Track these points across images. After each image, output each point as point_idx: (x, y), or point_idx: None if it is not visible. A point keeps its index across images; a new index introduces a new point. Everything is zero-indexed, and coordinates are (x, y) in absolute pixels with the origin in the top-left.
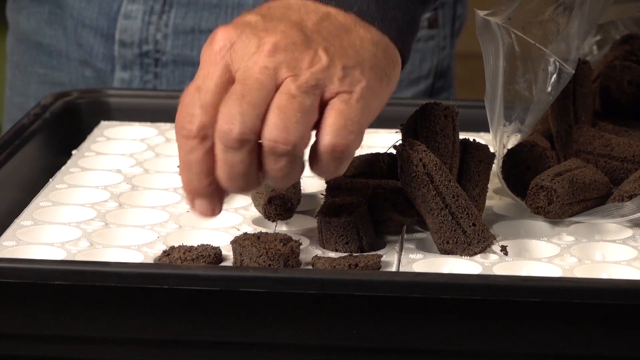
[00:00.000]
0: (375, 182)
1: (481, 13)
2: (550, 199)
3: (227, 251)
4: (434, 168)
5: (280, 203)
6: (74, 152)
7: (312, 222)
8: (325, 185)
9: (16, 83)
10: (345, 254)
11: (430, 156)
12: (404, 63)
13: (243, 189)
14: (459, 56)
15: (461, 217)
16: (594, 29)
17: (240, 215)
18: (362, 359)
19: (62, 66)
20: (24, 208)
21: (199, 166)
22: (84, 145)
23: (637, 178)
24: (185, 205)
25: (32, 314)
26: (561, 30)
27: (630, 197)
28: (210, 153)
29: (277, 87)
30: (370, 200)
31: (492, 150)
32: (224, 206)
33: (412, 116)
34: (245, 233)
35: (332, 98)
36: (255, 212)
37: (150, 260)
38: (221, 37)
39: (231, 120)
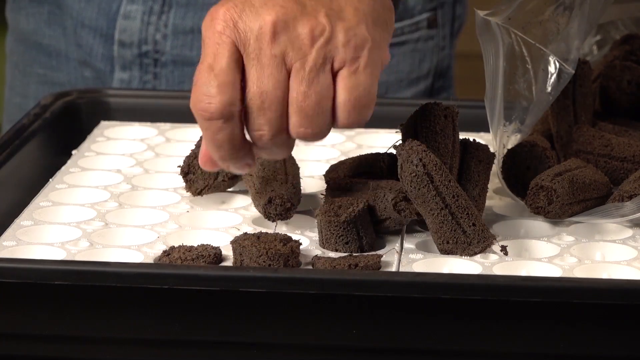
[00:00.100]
0: (375, 182)
1: (481, 13)
2: (550, 199)
3: (227, 251)
4: (434, 168)
5: (280, 203)
6: (74, 152)
7: (312, 222)
8: (325, 185)
9: (15, 83)
10: (345, 254)
11: (430, 156)
12: (396, 8)
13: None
14: (459, 56)
15: (461, 217)
16: (594, 29)
17: (240, 215)
18: (362, 359)
19: (61, 66)
20: (24, 208)
21: (229, 143)
22: (84, 145)
23: (637, 178)
24: (185, 205)
25: (32, 314)
26: (561, 30)
27: (630, 197)
28: (238, 129)
29: (288, 72)
30: (370, 200)
31: (492, 150)
32: (224, 206)
33: (412, 116)
34: (245, 233)
35: (341, 68)
36: (255, 212)
37: (150, 260)
38: (222, 17)
39: (261, 128)
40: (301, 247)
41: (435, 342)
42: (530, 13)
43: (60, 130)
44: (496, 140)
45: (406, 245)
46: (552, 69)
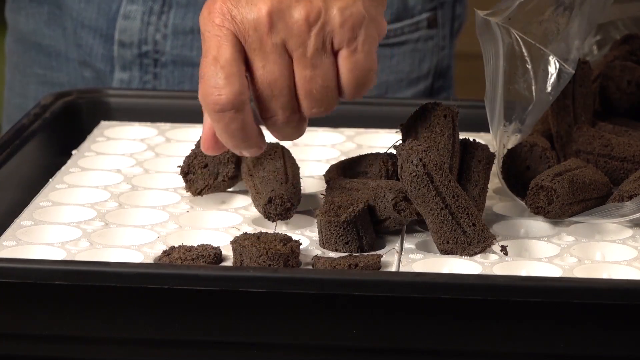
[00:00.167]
0: (375, 182)
1: (481, 13)
2: (550, 199)
3: (227, 251)
4: (434, 168)
5: (280, 203)
6: (74, 152)
7: (312, 222)
8: (325, 185)
9: (15, 84)
10: (345, 254)
11: (430, 156)
12: None
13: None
14: (459, 56)
15: (461, 217)
16: (594, 29)
17: (240, 215)
18: (362, 359)
19: (61, 67)
20: (24, 208)
21: (242, 131)
22: (84, 145)
23: (637, 178)
24: (185, 205)
25: (32, 314)
26: (561, 30)
27: (630, 197)
28: (249, 116)
29: (291, 57)
30: (370, 200)
31: (492, 150)
32: (224, 206)
33: (412, 116)
34: (245, 233)
35: (340, 48)
36: (255, 212)
37: (150, 260)
38: (219, 9)
39: (275, 113)
40: (301, 247)
41: (435, 342)
42: (530, 13)
43: (60, 130)
44: (496, 140)
45: (406, 245)
46: (552, 69)
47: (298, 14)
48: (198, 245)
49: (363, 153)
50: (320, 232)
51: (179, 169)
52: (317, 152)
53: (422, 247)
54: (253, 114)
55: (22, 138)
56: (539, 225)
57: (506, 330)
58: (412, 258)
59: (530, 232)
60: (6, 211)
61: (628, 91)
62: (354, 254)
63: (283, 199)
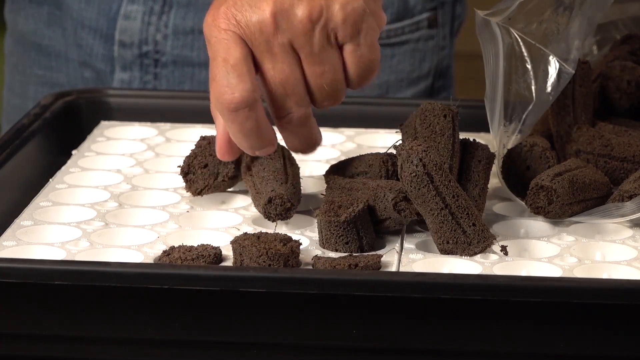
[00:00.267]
0: (375, 182)
1: (481, 13)
2: (550, 199)
3: (227, 251)
4: (434, 168)
5: (280, 203)
6: (74, 152)
7: (312, 222)
8: (325, 185)
9: (15, 84)
10: (345, 254)
11: (430, 156)
12: None
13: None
14: (459, 56)
15: (461, 217)
16: (594, 29)
17: (240, 215)
18: (362, 359)
19: (61, 67)
20: (24, 208)
21: (257, 130)
22: (84, 145)
23: (637, 178)
24: (185, 205)
25: (32, 314)
26: (561, 30)
27: (630, 197)
28: (262, 114)
29: (298, 55)
30: (370, 200)
31: (492, 150)
32: (224, 206)
33: (412, 116)
34: (245, 233)
35: (344, 42)
36: (255, 212)
37: (150, 260)
38: (224, 14)
39: (290, 110)
40: (301, 247)
41: (435, 342)
42: (530, 13)
43: (60, 130)
44: (496, 140)
45: (406, 245)
46: (552, 69)
47: (301, 12)
48: (198, 245)
49: (363, 153)
50: (320, 232)
51: (179, 169)
52: (317, 152)
53: (422, 247)
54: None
55: (22, 138)
56: (539, 225)
57: (506, 330)
58: (412, 258)
59: (530, 232)
60: (6, 211)
61: (628, 91)
62: (354, 254)
63: (283, 199)
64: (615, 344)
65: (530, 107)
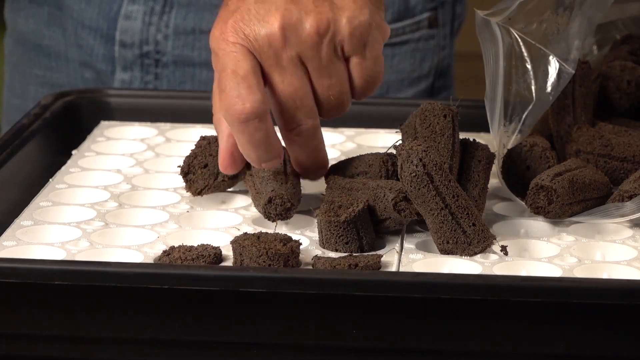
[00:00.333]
0: (375, 182)
1: (481, 13)
2: (550, 199)
3: (227, 251)
4: (434, 168)
5: (281, 203)
6: (74, 152)
7: (312, 222)
8: (325, 185)
9: (14, 85)
10: (345, 254)
11: (430, 156)
12: None
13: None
14: (459, 56)
15: (461, 217)
16: (594, 29)
17: (240, 215)
18: (362, 359)
19: (61, 68)
20: (24, 208)
21: (266, 141)
22: (84, 145)
23: (637, 178)
24: (185, 205)
25: (32, 314)
26: (561, 30)
27: (630, 197)
28: (271, 125)
29: (306, 67)
30: (370, 200)
31: (492, 150)
32: (224, 206)
33: (412, 116)
34: (245, 233)
35: (350, 56)
36: (255, 212)
37: (150, 260)
38: (232, 28)
39: (300, 122)
40: (301, 247)
41: (435, 342)
42: (530, 13)
43: (60, 130)
44: (496, 140)
45: (406, 245)
46: (552, 69)
47: (309, 26)
48: (198, 245)
49: (363, 153)
50: (320, 232)
51: (179, 169)
52: None
53: (422, 247)
54: None
55: (22, 138)
56: (539, 225)
57: (506, 330)
58: (412, 258)
59: (530, 232)
60: (6, 211)
61: (628, 91)
62: (354, 254)
63: (283, 199)
64: (615, 344)
65: (530, 107)
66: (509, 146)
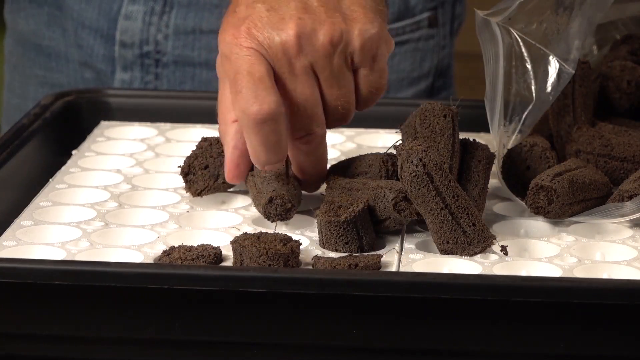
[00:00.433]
0: (375, 182)
1: (481, 13)
2: (550, 199)
3: (227, 251)
4: (434, 168)
5: (281, 203)
6: (74, 152)
7: (312, 222)
8: (325, 185)
9: (14, 85)
10: (345, 254)
11: (430, 156)
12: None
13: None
14: (459, 56)
15: (461, 217)
16: (594, 29)
17: (240, 215)
18: (362, 359)
19: (61, 68)
20: (24, 208)
21: (279, 144)
22: (84, 145)
23: (637, 178)
24: (185, 205)
25: (32, 314)
26: (561, 30)
27: (630, 197)
28: (285, 128)
29: (317, 76)
30: (370, 200)
31: (492, 150)
32: (224, 206)
33: (412, 116)
34: (245, 233)
35: (359, 68)
36: (255, 212)
37: (150, 260)
38: (245, 33)
39: (311, 130)
40: (301, 247)
41: (435, 342)
42: (530, 13)
43: (60, 130)
44: (496, 140)
45: (406, 245)
46: (552, 69)
47: (323, 36)
48: (198, 245)
49: (363, 153)
50: (320, 232)
51: (179, 169)
52: None
53: (422, 247)
54: None
55: (22, 138)
56: (539, 225)
57: (506, 330)
58: (412, 258)
59: (530, 232)
60: (6, 211)
61: (628, 91)
62: (354, 254)
63: (284, 199)
64: (615, 344)
65: (530, 107)
66: (509, 146)
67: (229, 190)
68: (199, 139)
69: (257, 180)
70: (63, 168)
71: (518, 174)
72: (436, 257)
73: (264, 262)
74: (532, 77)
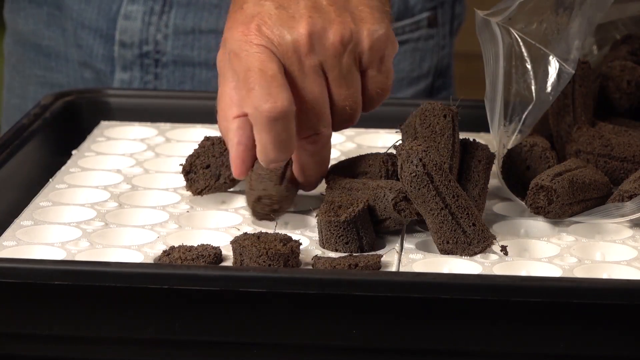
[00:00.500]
0: (375, 182)
1: (481, 13)
2: (550, 199)
3: (227, 251)
4: (434, 168)
5: (269, 203)
6: (74, 152)
7: (312, 222)
8: (325, 185)
9: (14, 85)
10: (345, 254)
11: (430, 156)
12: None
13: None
14: (459, 56)
15: (461, 217)
16: (594, 29)
17: (240, 215)
18: (362, 359)
19: (60, 68)
20: (24, 208)
21: (289, 141)
22: (84, 145)
23: (637, 178)
24: (185, 205)
25: (32, 314)
26: (561, 30)
27: (630, 197)
28: (295, 127)
29: (326, 76)
30: (370, 200)
31: (492, 150)
32: (224, 206)
33: (412, 116)
34: (245, 233)
35: (366, 69)
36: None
37: (150, 260)
38: (256, 30)
39: (318, 130)
40: (301, 247)
41: (435, 342)
42: (530, 13)
43: (60, 130)
44: (496, 140)
45: (406, 245)
46: (552, 69)
47: (333, 35)
48: (198, 245)
49: (363, 153)
50: (320, 232)
51: (181, 167)
52: None
53: (422, 247)
54: None
55: (22, 138)
56: (539, 225)
57: (506, 330)
58: (412, 258)
59: (530, 232)
60: (6, 211)
61: (628, 91)
62: (354, 254)
63: (272, 199)
64: (615, 344)
65: (530, 107)
66: (509, 146)
67: (229, 190)
68: (199, 139)
69: (253, 176)
70: (63, 168)
71: (518, 174)
72: (436, 257)
73: (264, 262)
74: (532, 77)
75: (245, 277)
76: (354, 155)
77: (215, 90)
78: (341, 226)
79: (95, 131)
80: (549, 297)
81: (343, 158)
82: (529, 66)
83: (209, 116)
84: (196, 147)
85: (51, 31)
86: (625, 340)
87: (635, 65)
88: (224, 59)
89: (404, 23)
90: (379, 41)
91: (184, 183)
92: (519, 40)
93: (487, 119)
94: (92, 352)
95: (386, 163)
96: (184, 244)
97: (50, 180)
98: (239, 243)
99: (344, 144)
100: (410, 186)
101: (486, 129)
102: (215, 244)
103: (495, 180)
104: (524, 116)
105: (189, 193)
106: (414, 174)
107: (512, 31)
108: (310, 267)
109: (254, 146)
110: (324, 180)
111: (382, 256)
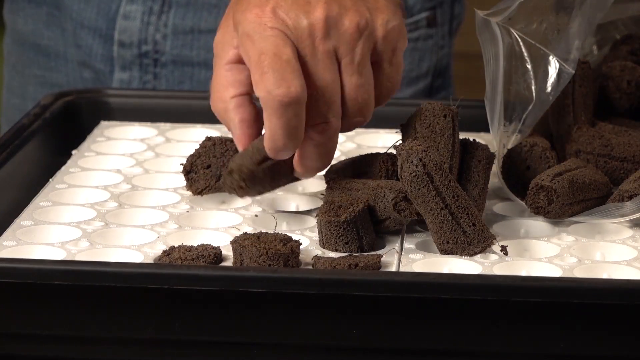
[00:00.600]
0: (375, 182)
1: (481, 13)
2: (550, 199)
3: (227, 251)
4: (434, 168)
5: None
6: (74, 152)
7: (312, 222)
8: (325, 185)
9: (13, 84)
10: (345, 254)
11: (430, 156)
12: None
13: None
14: (459, 56)
15: (461, 217)
16: (594, 29)
17: (240, 215)
18: (362, 359)
19: (60, 68)
20: (24, 208)
21: (300, 128)
22: (84, 145)
23: (637, 178)
24: (185, 205)
25: (32, 314)
26: (561, 30)
27: (630, 197)
28: (305, 114)
29: (339, 64)
30: (370, 200)
31: (492, 150)
32: (224, 206)
33: (412, 116)
34: (245, 233)
35: (378, 60)
36: (255, 212)
37: (150, 260)
38: (271, 13)
39: (327, 119)
40: (301, 247)
41: (435, 342)
42: (530, 13)
43: (60, 130)
44: (496, 140)
45: (406, 245)
46: (552, 69)
47: (349, 22)
48: (198, 245)
49: (363, 153)
50: (320, 232)
51: (181, 167)
52: None
53: (422, 247)
54: None
55: (22, 138)
56: (539, 225)
57: (506, 330)
58: (412, 258)
59: (530, 232)
60: (6, 211)
61: (628, 91)
62: (354, 254)
63: (242, 176)
64: (615, 344)
65: (530, 107)
66: (509, 146)
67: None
68: (199, 139)
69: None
70: (63, 168)
71: (518, 174)
72: (436, 257)
73: (264, 262)
74: (532, 77)
75: (245, 277)
76: (354, 155)
77: None
78: (341, 226)
79: (95, 131)
80: (549, 297)
81: (343, 158)
82: (529, 66)
83: (209, 116)
84: (196, 147)
85: (50, 31)
86: (625, 340)
87: (635, 65)
88: (223, 40)
89: None
90: (393, 31)
91: (184, 183)
92: (519, 40)
93: (487, 119)
94: (92, 352)
95: (386, 163)
96: (184, 244)
97: (50, 180)
98: (239, 243)
99: (344, 144)
100: (410, 186)
101: (486, 129)
102: (215, 244)
103: (495, 180)
104: (524, 116)
105: (189, 193)
106: (414, 174)
107: (512, 31)
108: (310, 267)
109: (256, 121)
110: (324, 181)
111: (382, 256)
